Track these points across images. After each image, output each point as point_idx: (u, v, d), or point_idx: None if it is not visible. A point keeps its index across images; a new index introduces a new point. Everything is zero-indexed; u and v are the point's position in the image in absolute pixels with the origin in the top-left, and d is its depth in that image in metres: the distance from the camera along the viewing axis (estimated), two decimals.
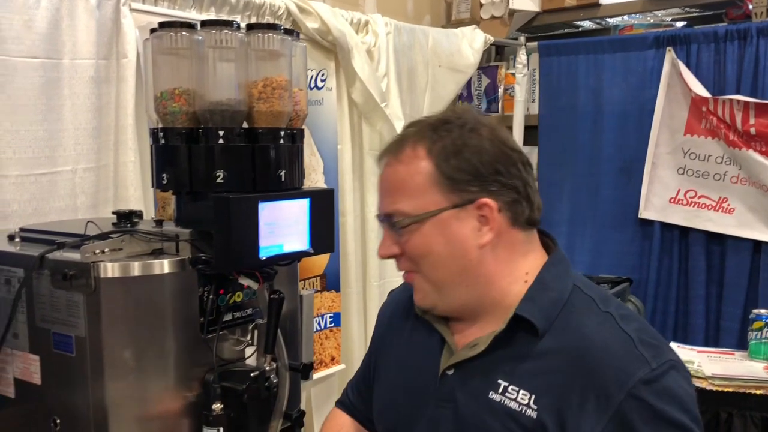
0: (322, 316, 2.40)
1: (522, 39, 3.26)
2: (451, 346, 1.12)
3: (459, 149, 1.03)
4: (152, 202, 1.93)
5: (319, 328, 2.38)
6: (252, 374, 1.23)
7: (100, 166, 1.87)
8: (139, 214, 1.36)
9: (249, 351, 1.29)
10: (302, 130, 1.28)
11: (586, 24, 3.41)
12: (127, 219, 1.33)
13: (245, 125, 1.23)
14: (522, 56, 3.22)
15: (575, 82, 3.18)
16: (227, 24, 1.19)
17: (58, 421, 1.24)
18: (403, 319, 1.23)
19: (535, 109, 3.30)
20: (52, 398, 1.25)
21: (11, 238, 1.39)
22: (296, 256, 1.27)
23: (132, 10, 1.86)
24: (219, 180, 1.18)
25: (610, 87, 3.11)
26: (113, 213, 1.35)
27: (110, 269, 1.17)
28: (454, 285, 1.08)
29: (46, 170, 1.75)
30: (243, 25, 1.23)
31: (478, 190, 1.03)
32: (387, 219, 1.09)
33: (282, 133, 1.22)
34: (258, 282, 1.21)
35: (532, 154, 3.30)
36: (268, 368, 1.25)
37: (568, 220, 3.25)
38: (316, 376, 2.36)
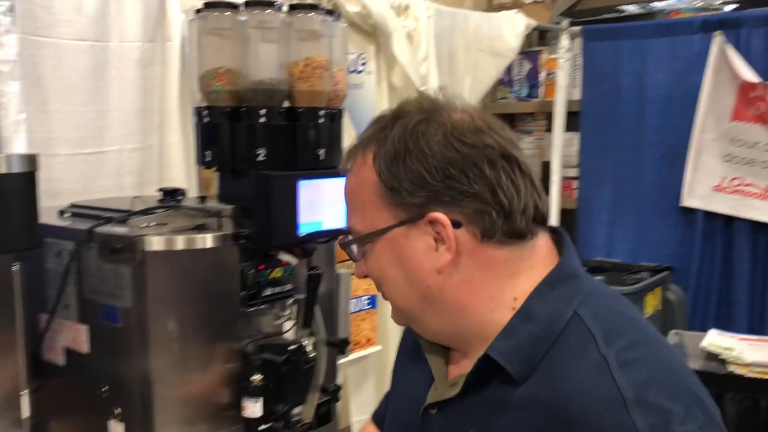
0: (359, 298, 2.43)
1: (565, 23, 3.22)
2: (437, 379, 0.94)
3: (399, 153, 0.85)
4: (195, 182, 1.97)
5: (355, 310, 2.41)
6: (290, 347, 1.27)
7: (145, 146, 1.92)
8: (183, 192, 1.40)
9: (288, 325, 1.32)
10: (341, 110, 1.30)
11: (631, 8, 3.35)
12: (172, 196, 1.37)
13: (286, 104, 1.25)
14: (565, 41, 3.18)
15: (619, 67, 3.13)
16: (270, 4, 1.21)
17: (105, 388, 1.29)
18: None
19: (576, 95, 3.27)
20: (100, 367, 1.30)
21: (62, 213, 1.44)
22: (334, 234, 1.29)
23: None
24: (260, 158, 1.21)
25: (654, 72, 3.06)
26: (159, 190, 1.39)
27: (155, 243, 1.21)
28: (419, 312, 0.90)
29: (93, 150, 1.80)
30: (285, 5, 1.25)
31: (424, 201, 0.84)
32: (344, 236, 0.95)
33: (321, 112, 1.24)
34: (297, 258, 1.24)
35: (573, 140, 3.28)
36: (305, 342, 1.28)
37: (610, 208, 3.21)
38: (352, 356, 2.39)
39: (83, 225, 1.30)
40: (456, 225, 0.84)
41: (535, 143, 3.47)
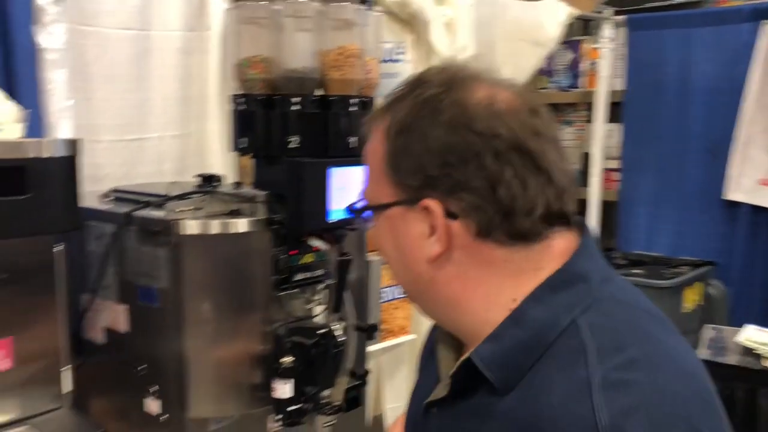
0: (393, 287, 2.45)
1: (608, 12, 3.17)
2: (442, 377, 0.88)
3: (407, 127, 0.79)
4: (234, 169, 2.01)
5: (389, 298, 2.43)
6: (320, 331, 1.29)
7: (186, 134, 1.97)
8: (219, 178, 1.43)
9: (318, 310, 1.35)
10: (373, 99, 1.31)
11: None
12: (209, 182, 1.40)
13: (319, 92, 1.27)
14: (608, 30, 3.14)
15: (663, 57, 3.08)
16: None
17: (143, 367, 1.33)
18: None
19: (618, 85, 3.22)
20: (137, 346, 1.34)
21: (103, 197, 1.49)
22: (364, 221, 1.31)
23: None
24: (293, 145, 1.23)
25: (700, 62, 2.99)
26: (196, 176, 1.43)
27: (191, 226, 1.24)
28: (415, 296, 0.86)
29: (135, 136, 1.86)
30: None
31: (421, 186, 0.78)
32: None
33: (353, 100, 1.25)
34: (327, 244, 1.26)
35: (615, 131, 3.23)
36: (335, 326, 1.30)
37: (651, 201, 3.17)
38: (385, 344, 2.41)
39: (123, 209, 1.34)
40: (451, 216, 0.77)
41: (576, 134, 3.43)
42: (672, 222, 3.12)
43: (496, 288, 0.79)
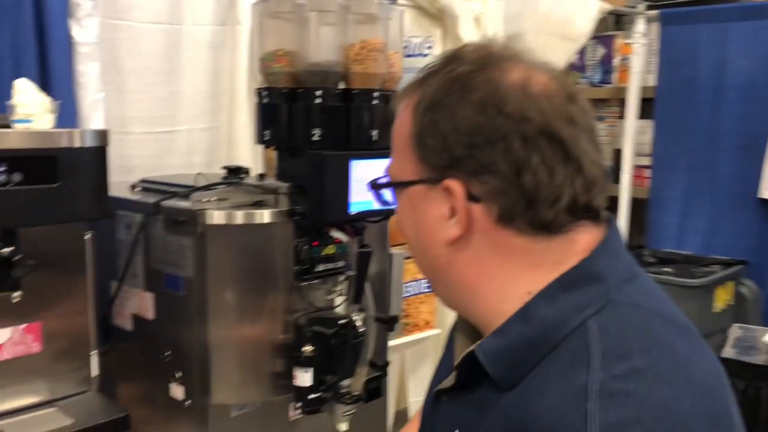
0: (419, 281, 2.46)
1: (641, 7, 3.13)
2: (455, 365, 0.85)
3: (435, 104, 0.76)
4: (261, 161, 2.04)
5: (415, 293, 2.44)
6: (340, 321, 1.31)
7: (215, 127, 2.00)
8: (246, 170, 1.46)
9: (339, 300, 1.37)
10: (396, 92, 1.32)
11: None
12: (235, 174, 1.43)
13: (342, 86, 1.29)
14: (640, 25, 3.10)
15: (697, 52, 3.03)
16: None
17: (168, 353, 1.37)
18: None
19: (651, 81, 3.18)
20: (163, 332, 1.38)
21: (133, 187, 1.53)
22: (384, 214, 1.32)
23: None
24: (315, 138, 1.25)
25: (735, 58, 2.94)
26: (223, 168, 1.46)
27: (216, 216, 1.27)
28: (432, 279, 0.84)
29: (165, 129, 1.90)
30: None
31: (446, 165, 0.75)
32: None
33: (376, 94, 1.27)
34: (348, 235, 1.28)
35: (647, 128, 3.19)
36: (355, 317, 1.32)
37: (682, 198, 3.12)
38: (410, 338, 2.43)
39: (151, 199, 1.38)
40: (474, 199, 0.74)
41: (607, 130, 3.40)
42: (704, 220, 3.07)
43: (513, 278, 0.76)
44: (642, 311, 0.74)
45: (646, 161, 3.24)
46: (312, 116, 1.25)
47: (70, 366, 1.29)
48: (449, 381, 0.82)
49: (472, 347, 0.76)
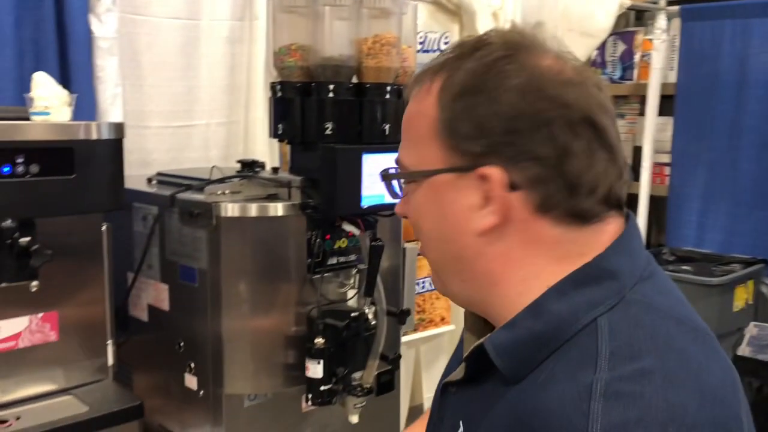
0: None
1: (662, 2, 3.10)
2: (465, 357, 0.85)
3: (467, 90, 0.73)
4: (278, 156, 2.06)
5: (430, 288, 2.45)
6: (352, 314, 1.32)
7: (232, 121, 2.02)
8: (261, 164, 1.47)
9: (351, 293, 1.38)
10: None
11: None
12: (250, 167, 1.44)
13: (355, 80, 1.29)
14: (661, 21, 3.07)
15: (719, 48, 2.99)
16: None
17: (182, 344, 1.38)
18: None
19: (673, 77, 3.15)
20: (178, 323, 1.40)
21: (149, 180, 1.55)
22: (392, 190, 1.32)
23: None
24: (328, 131, 1.25)
25: (758, 54, 2.90)
26: (237, 162, 1.47)
27: (230, 209, 1.29)
28: (450, 273, 0.80)
29: (183, 123, 1.92)
30: None
31: (483, 152, 0.72)
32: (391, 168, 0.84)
33: (388, 88, 1.27)
34: (359, 229, 1.29)
35: (668, 125, 3.17)
36: (367, 310, 1.33)
37: (702, 196, 3.09)
38: (425, 334, 2.44)
39: (167, 192, 1.39)
40: (512, 187, 0.72)
41: (627, 127, 3.37)
42: (724, 218, 3.04)
43: (537, 271, 0.74)
44: (655, 311, 0.72)
45: (666, 158, 3.21)
46: (325, 110, 1.26)
47: (86, 355, 1.31)
48: (458, 373, 0.81)
49: (481, 340, 0.75)
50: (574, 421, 0.63)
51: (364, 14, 1.26)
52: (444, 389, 0.85)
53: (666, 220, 3.21)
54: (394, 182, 0.83)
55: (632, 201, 3.21)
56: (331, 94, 1.25)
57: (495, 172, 0.71)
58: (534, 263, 0.74)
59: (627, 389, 0.64)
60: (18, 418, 1.18)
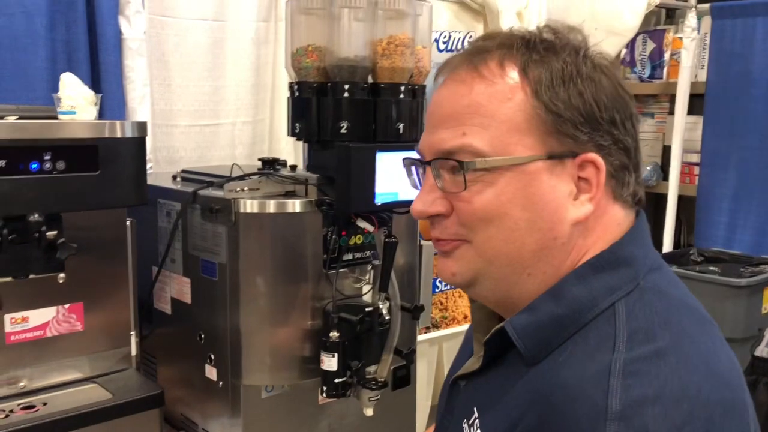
0: None
1: (692, 0, 3.07)
2: (476, 351, 0.87)
3: (571, 77, 0.73)
4: (302, 153, 2.10)
5: (453, 287, 2.46)
6: (366, 309, 1.34)
7: (257, 120, 2.07)
8: (282, 162, 1.51)
9: (366, 289, 1.40)
10: (424, 87, 1.35)
11: None
12: (270, 165, 1.48)
13: (370, 80, 1.32)
14: (691, 19, 3.04)
15: (751, 47, 2.95)
16: None
17: (203, 336, 1.43)
18: None
19: (703, 76, 3.12)
20: (199, 316, 1.44)
21: (174, 177, 1.60)
22: (410, 205, 1.35)
23: None
24: (343, 130, 1.28)
25: None
26: (259, 159, 1.51)
27: (249, 205, 1.32)
28: (515, 267, 0.77)
29: (209, 122, 1.97)
30: None
31: (586, 140, 0.73)
32: (444, 158, 0.76)
33: (403, 88, 1.30)
34: (374, 225, 1.32)
35: (698, 124, 3.13)
36: (381, 305, 1.35)
37: (732, 196, 3.05)
38: (448, 331, 2.46)
39: (190, 188, 1.44)
40: (605, 174, 0.75)
41: (656, 126, 3.35)
42: (754, 219, 3.00)
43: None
44: (667, 299, 0.75)
45: (695, 158, 3.18)
46: (340, 109, 1.29)
47: (110, 345, 1.36)
48: (472, 365, 0.84)
49: (501, 324, 0.77)
50: (594, 396, 0.65)
51: (379, 16, 1.29)
52: (453, 385, 0.88)
53: (695, 221, 3.17)
54: (445, 172, 0.77)
55: (661, 200, 3.19)
56: (346, 94, 1.28)
57: (599, 159, 0.73)
58: (598, 248, 0.76)
59: (644, 368, 0.67)
60: (45, 404, 1.23)
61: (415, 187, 0.85)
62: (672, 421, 0.64)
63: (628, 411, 0.64)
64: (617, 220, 0.77)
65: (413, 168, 0.85)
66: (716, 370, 0.71)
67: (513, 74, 0.74)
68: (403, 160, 0.86)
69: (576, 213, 0.75)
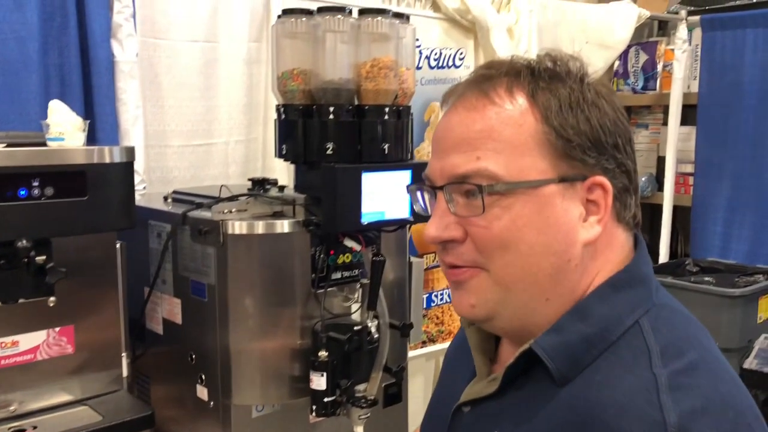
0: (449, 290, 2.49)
1: (683, 13, 3.09)
2: (478, 376, 0.87)
3: (578, 103, 0.76)
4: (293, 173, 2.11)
5: (447, 301, 2.47)
6: (355, 327, 1.36)
7: (250, 139, 2.09)
8: (273, 182, 1.52)
9: (354, 307, 1.42)
10: (409, 107, 1.37)
11: None
12: (260, 185, 1.50)
13: (356, 102, 1.34)
14: (682, 31, 3.06)
15: (741, 58, 2.97)
16: (341, 10, 1.31)
17: (194, 356, 1.44)
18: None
19: (695, 87, 3.14)
20: (190, 336, 1.45)
21: (165, 199, 1.62)
22: (397, 223, 1.37)
23: None
24: (329, 151, 1.30)
25: None
26: (248, 180, 1.53)
27: (237, 227, 1.34)
28: (533, 294, 0.78)
29: (202, 141, 1.99)
30: (355, 10, 1.33)
31: (594, 163, 0.76)
32: (458, 182, 0.77)
33: (387, 109, 1.31)
34: (361, 244, 1.33)
35: (692, 134, 3.15)
36: (370, 323, 1.37)
37: (727, 206, 3.06)
38: (444, 345, 2.46)
39: (180, 210, 1.45)
40: (612, 196, 0.77)
41: (651, 137, 3.37)
42: (749, 229, 3.01)
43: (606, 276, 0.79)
44: (679, 314, 0.81)
45: (690, 168, 3.19)
46: (326, 131, 1.30)
47: (101, 366, 1.38)
48: (483, 389, 0.84)
49: (526, 346, 0.77)
50: (649, 411, 0.68)
51: (363, 39, 1.31)
52: (455, 412, 0.87)
53: (690, 231, 3.18)
54: (459, 197, 0.78)
55: (656, 211, 3.20)
56: (331, 116, 1.29)
57: (606, 182, 0.77)
58: (606, 268, 0.79)
59: (686, 382, 0.71)
60: (35, 428, 1.25)
61: (422, 213, 0.86)
62: (722, 429, 0.69)
63: (684, 423, 0.67)
64: (621, 241, 0.80)
65: (419, 194, 0.86)
66: (736, 379, 0.76)
67: (521, 100, 0.77)
68: (408, 186, 0.89)
69: (586, 235, 0.77)
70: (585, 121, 0.76)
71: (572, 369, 0.75)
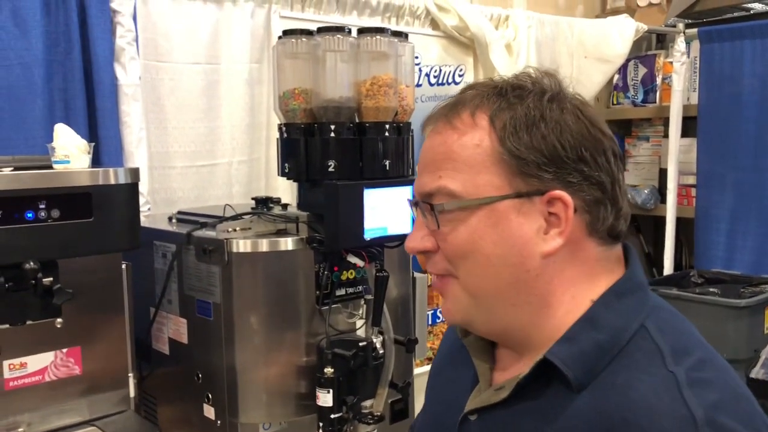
0: None
1: (680, 26, 3.12)
2: (482, 384, 0.90)
3: (534, 122, 0.79)
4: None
5: None
6: (360, 344, 1.36)
7: (253, 159, 2.10)
8: (276, 200, 1.54)
9: (359, 323, 1.42)
10: (409, 124, 1.39)
11: (757, 6, 3.17)
12: (264, 204, 1.51)
13: (357, 119, 1.36)
14: (680, 44, 3.08)
15: (740, 69, 2.99)
16: (340, 30, 1.33)
17: (200, 375, 1.45)
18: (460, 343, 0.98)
19: (695, 99, 3.15)
20: (196, 356, 1.46)
21: (170, 219, 1.63)
22: (400, 239, 1.38)
23: (281, 17, 2.07)
24: (331, 169, 1.32)
25: None
26: (252, 199, 1.54)
27: (241, 245, 1.35)
28: (498, 300, 0.83)
29: (206, 162, 2.01)
30: (354, 30, 1.35)
31: (552, 178, 0.79)
32: (425, 201, 0.85)
33: (387, 126, 1.33)
34: (364, 260, 1.34)
35: (693, 146, 3.16)
36: (375, 339, 1.37)
37: (729, 217, 3.06)
38: None
39: (184, 229, 1.47)
40: (574, 210, 0.80)
41: (652, 149, 3.38)
42: (753, 239, 3.01)
43: (583, 288, 0.82)
44: (675, 315, 0.85)
45: (692, 180, 3.20)
46: (327, 149, 1.32)
47: (108, 387, 1.38)
48: (491, 396, 0.85)
49: (540, 356, 0.80)
50: (676, 407, 0.72)
51: (363, 58, 1.33)
52: (462, 421, 0.88)
53: (694, 242, 3.18)
54: (427, 213, 0.85)
55: (660, 223, 3.20)
56: (332, 134, 1.31)
57: (565, 196, 0.79)
58: (581, 281, 0.83)
59: (700, 377, 0.75)
60: None
61: None
62: (741, 417, 0.73)
63: (711, 416, 0.71)
64: (592, 255, 0.82)
65: (413, 208, 0.92)
66: (734, 371, 0.81)
67: (483, 123, 0.82)
68: (408, 201, 0.95)
69: (546, 247, 0.80)
70: (540, 139, 0.79)
71: (587, 375, 0.78)
